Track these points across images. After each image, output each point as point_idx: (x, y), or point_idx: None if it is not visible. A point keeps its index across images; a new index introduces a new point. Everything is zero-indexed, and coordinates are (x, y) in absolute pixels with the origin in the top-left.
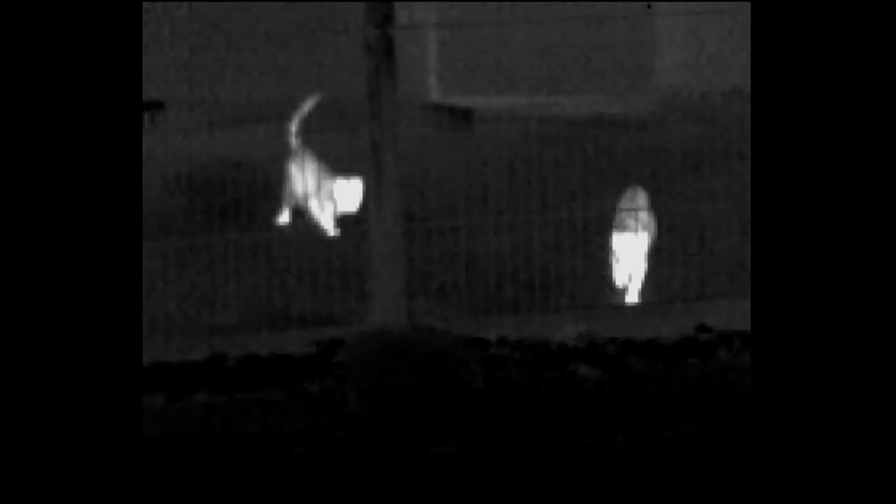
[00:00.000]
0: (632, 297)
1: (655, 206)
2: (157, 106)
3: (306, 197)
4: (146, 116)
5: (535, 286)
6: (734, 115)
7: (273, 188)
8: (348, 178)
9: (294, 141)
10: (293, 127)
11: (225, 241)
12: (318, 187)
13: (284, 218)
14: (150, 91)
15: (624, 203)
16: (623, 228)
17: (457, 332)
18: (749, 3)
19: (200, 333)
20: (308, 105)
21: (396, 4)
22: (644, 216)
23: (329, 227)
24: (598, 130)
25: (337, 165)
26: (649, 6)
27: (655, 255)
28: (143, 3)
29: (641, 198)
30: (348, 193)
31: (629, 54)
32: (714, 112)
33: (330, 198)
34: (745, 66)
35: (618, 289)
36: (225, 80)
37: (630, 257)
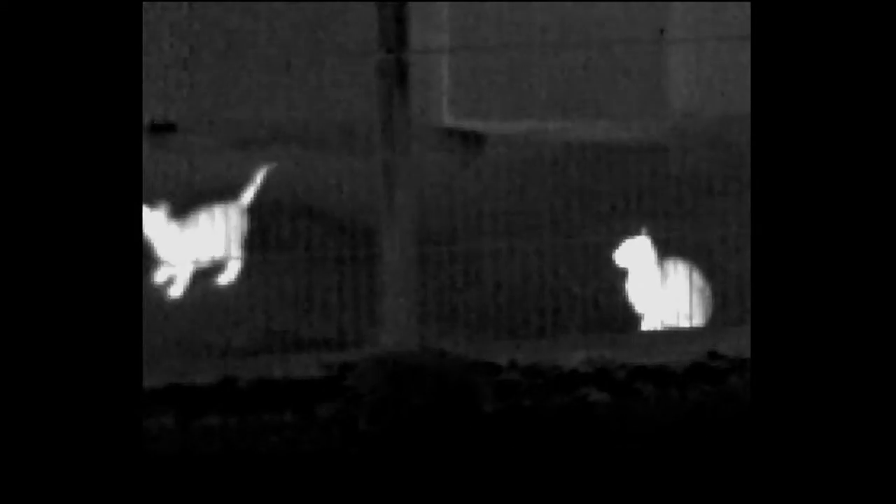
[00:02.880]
0: (648, 324)
1: (668, 232)
2: (169, 128)
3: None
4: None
5: (546, 311)
6: (747, 141)
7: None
8: None
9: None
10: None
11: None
12: None
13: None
14: (161, 112)
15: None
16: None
17: (468, 356)
18: None
19: (212, 356)
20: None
21: (409, 28)
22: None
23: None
24: (610, 155)
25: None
26: (662, 31)
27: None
28: (153, 16)
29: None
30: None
31: (642, 79)
32: (727, 137)
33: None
34: None
35: (633, 314)
36: (236, 102)
37: (645, 285)
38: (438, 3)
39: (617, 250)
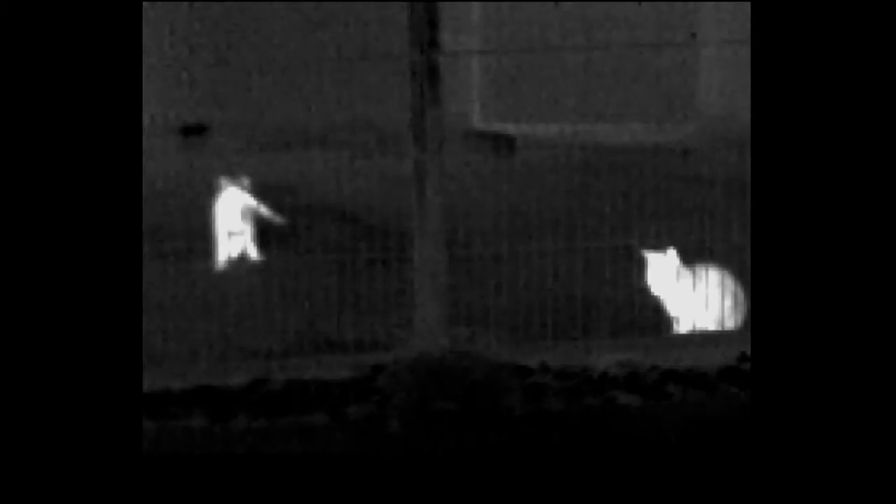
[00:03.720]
0: (679, 327)
1: (699, 235)
2: (201, 129)
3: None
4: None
5: (577, 313)
6: None
7: (316, 212)
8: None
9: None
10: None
11: (269, 265)
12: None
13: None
14: (193, 115)
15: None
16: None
17: (498, 358)
18: None
19: (243, 358)
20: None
21: (441, 30)
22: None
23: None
24: (641, 158)
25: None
26: (694, 34)
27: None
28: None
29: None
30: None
31: (672, 82)
32: None
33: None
34: None
35: (664, 317)
36: (267, 105)
37: (676, 288)
38: (469, 5)
39: (647, 251)
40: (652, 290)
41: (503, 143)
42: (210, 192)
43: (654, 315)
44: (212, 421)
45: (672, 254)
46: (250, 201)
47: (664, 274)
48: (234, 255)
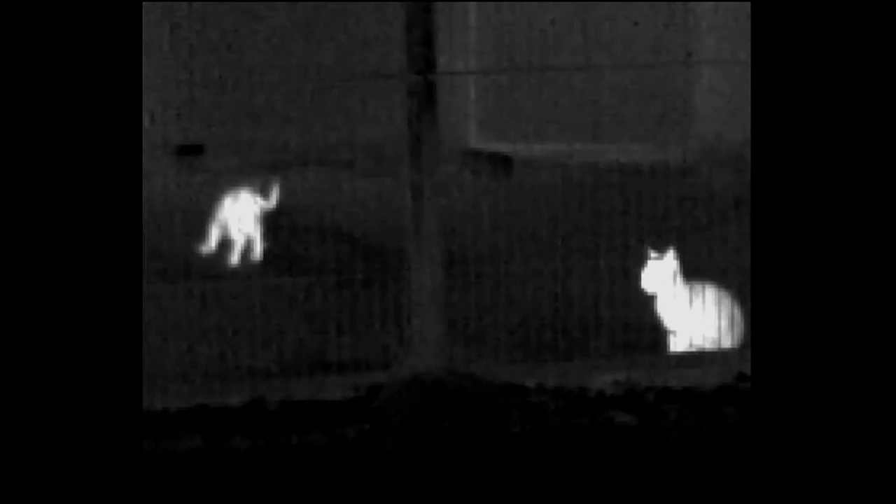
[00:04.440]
0: (677, 346)
1: (696, 254)
2: (197, 150)
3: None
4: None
5: (573, 333)
6: None
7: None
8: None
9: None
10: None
11: (266, 284)
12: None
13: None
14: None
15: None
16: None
17: (495, 378)
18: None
19: (240, 377)
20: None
21: (437, 51)
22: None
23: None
24: (637, 178)
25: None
26: (689, 54)
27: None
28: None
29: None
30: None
31: (669, 102)
32: None
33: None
34: None
35: (660, 336)
36: (264, 125)
37: (673, 306)
38: (465, 25)
39: (644, 270)
40: (648, 293)
41: (500, 163)
42: (206, 212)
43: (652, 334)
44: (209, 441)
45: (671, 257)
46: (265, 204)
47: (662, 277)
48: (240, 258)
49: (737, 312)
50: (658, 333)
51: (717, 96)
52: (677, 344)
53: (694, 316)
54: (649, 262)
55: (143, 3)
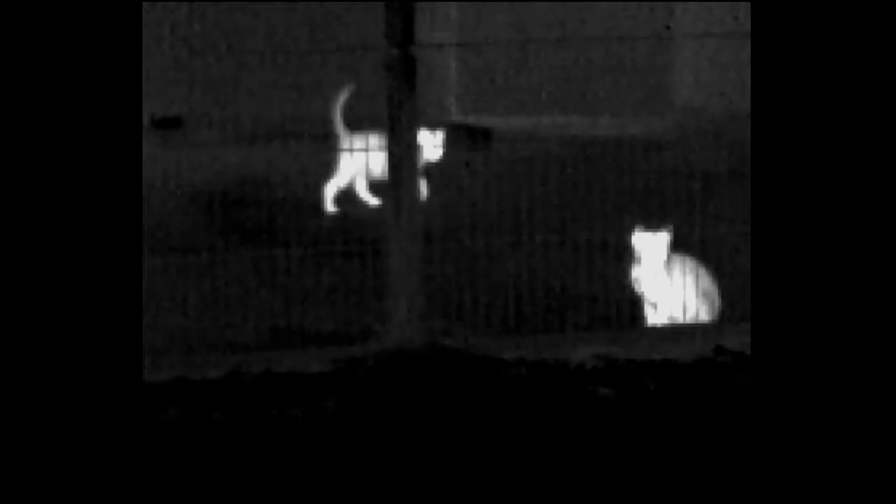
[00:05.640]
0: (655, 319)
1: (672, 229)
2: (176, 122)
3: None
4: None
5: (553, 307)
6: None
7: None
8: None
9: (340, 127)
10: (337, 115)
11: (245, 257)
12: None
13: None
14: (168, 108)
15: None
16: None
17: (474, 352)
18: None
19: (219, 350)
20: (344, 95)
21: (416, 24)
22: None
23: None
24: (616, 151)
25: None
26: (668, 27)
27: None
28: (153, 17)
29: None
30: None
31: (645, 76)
32: (733, 134)
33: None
34: None
35: (639, 310)
36: (242, 97)
37: (653, 278)
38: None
39: (635, 238)
40: (633, 266)
41: (480, 137)
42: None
43: (630, 307)
44: (187, 414)
45: (664, 234)
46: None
47: (651, 251)
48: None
49: (713, 286)
50: (636, 307)
51: (693, 71)
52: (657, 317)
53: (673, 290)
54: (637, 235)
55: None
